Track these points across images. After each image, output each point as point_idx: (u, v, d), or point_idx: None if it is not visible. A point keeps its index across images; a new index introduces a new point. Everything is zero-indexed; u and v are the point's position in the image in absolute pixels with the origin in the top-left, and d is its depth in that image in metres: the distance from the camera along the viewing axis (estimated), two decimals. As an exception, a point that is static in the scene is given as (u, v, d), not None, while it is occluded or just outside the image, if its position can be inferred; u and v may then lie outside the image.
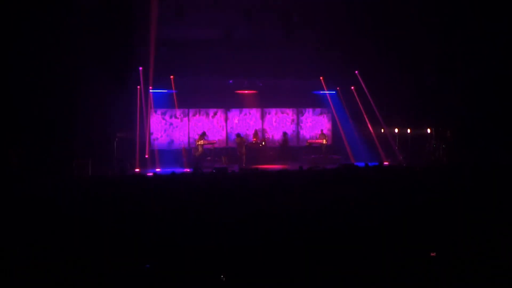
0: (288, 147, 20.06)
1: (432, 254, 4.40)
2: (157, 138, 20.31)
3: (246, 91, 20.64)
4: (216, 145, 19.53)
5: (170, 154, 19.63)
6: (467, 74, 15.20)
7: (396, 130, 18.63)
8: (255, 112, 21.39)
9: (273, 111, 21.56)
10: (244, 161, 18.23)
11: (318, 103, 21.56)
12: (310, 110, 21.88)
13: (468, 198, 6.48)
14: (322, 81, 20.36)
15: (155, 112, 20.27)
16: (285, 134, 20.36)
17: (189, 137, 20.42)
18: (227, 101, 20.64)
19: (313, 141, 20.57)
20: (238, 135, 19.12)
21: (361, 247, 4.58)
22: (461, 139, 15.96)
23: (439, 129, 17.40)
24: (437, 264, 4.26)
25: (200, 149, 18.34)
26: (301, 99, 21.22)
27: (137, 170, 16.19)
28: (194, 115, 20.73)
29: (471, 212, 5.64)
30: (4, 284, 3.83)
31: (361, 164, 12.92)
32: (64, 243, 4.64)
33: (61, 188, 8.69)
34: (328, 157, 19.24)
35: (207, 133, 19.45)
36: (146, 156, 17.68)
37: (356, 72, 19.07)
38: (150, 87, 18.83)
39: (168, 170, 13.06)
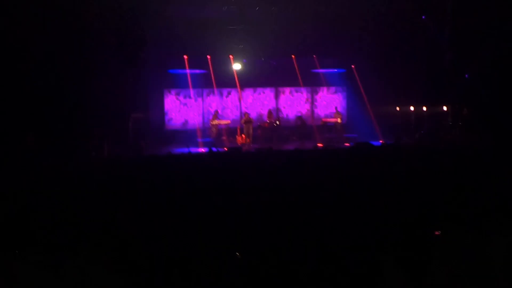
0: (306, 130, 19.84)
1: (436, 233, 4.40)
2: (172, 118, 20.40)
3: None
4: (230, 125, 19.55)
5: (184, 134, 19.75)
6: (484, 51, 14.92)
7: (412, 108, 18.44)
8: (269, 92, 21.31)
9: (287, 90, 21.45)
10: (250, 141, 18.10)
11: (332, 81, 21.38)
12: (325, 88, 21.75)
13: (480, 178, 6.43)
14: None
15: (169, 92, 20.32)
16: (300, 118, 20.09)
17: (203, 117, 20.47)
18: (241, 80, 20.57)
19: (328, 119, 20.47)
20: (245, 114, 18.92)
21: (372, 224, 4.60)
22: (477, 117, 15.76)
23: (455, 106, 17.19)
24: (441, 243, 4.27)
25: (214, 129, 18.37)
26: (315, 78, 21.05)
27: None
28: (208, 95, 20.73)
29: (482, 192, 5.60)
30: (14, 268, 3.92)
31: (376, 142, 12.87)
32: (80, 224, 4.73)
33: (78, 169, 8.81)
34: (343, 136, 19.15)
35: (220, 113, 19.47)
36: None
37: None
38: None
39: (183, 150, 13.14)
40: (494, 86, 14.81)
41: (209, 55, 19.09)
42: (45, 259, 3.88)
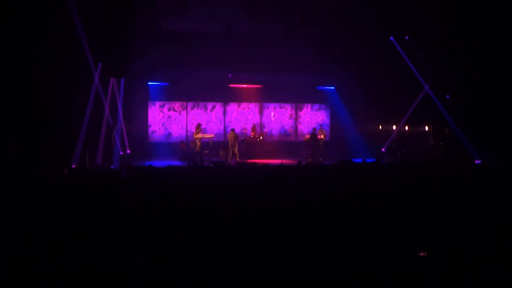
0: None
1: (421, 254, 4.40)
2: (155, 131, 20.30)
3: (245, 85, 20.66)
4: (213, 139, 19.53)
5: (167, 147, 19.65)
6: (464, 73, 15.26)
7: (394, 127, 18.65)
8: (253, 107, 21.40)
9: (271, 105, 21.57)
10: (237, 156, 18.02)
11: (316, 98, 21.57)
12: (309, 105, 21.91)
13: (461, 197, 6.50)
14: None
15: (153, 104, 20.24)
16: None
17: (187, 130, 20.42)
18: (226, 95, 20.64)
19: (311, 136, 20.52)
20: (232, 130, 18.88)
21: (355, 242, 4.60)
22: (458, 137, 16.00)
23: (437, 127, 17.44)
24: (426, 264, 4.27)
25: (198, 142, 18.31)
26: (300, 94, 21.21)
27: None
28: (192, 108, 20.71)
29: (464, 212, 5.66)
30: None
31: (359, 160, 12.96)
32: (60, 235, 4.66)
33: (59, 179, 8.69)
34: (326, 153, 19.22)
35: (204, 126, 19.46)
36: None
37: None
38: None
39: (165, 162, 13.09)
40: (474, 105, 15.10)
41: (195, 69, 19.11)
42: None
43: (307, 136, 20.65)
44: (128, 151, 16.46)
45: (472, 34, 14.60)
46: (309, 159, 17.71)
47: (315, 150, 18.46)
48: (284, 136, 21.56)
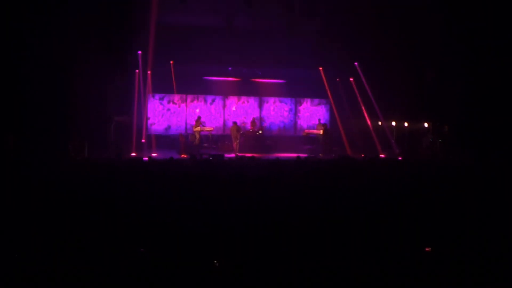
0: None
1: (427, 249, 4.39)
2: (154, 123, 20.26)
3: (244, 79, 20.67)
4: (213, 132, 19.51)
5: (166, 140, 19.62)
6: (467, 71, 15.18)
7: (394, 124, 18.62)
8: (253, 101, 21.35)
9: (271, 100, 21.53)
10: (237, 149, 18.07)
11: (316, 93, 21.50)
12: (308, 100, 21.87)
13: (463, 194, 6.49)
14: (321, 71, 20.09)
15: (153, 97, 20.19)
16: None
17: (186, 123, 20.39)
18: (226, 89, 20.59)
19: (311, 131, 20.51)
20: (235, 123, 18.91)
21: (356, 239, 4.59)
22: (457, 135, 15.97)
23: (436, 123, 17.40)
24: (431, 259, 4.26)
25: (197, 135, 18.30)
26: (299, 89, 21.16)
27: (133, 154, 16.13)
28: (192, 101, 20.66)
29: (466, 208, 5.65)
30: None
31: (358, 156, 12.95)
32: (58, 226, 4.64)
33: (57, 171, 8.68)
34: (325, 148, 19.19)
35: (204, 120, 19.44)
36: (143, 140, 17.56)
37: (356, 64, 18.89)
38: (149, 71, 18.83)
39: (164, 155, 13.07)
40: (474, 104, 15.04)
41: (195, 62, 19.07)
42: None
43: (307, 131, 20.64)
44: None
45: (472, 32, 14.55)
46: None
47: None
48: (284, 130, 21.54)
